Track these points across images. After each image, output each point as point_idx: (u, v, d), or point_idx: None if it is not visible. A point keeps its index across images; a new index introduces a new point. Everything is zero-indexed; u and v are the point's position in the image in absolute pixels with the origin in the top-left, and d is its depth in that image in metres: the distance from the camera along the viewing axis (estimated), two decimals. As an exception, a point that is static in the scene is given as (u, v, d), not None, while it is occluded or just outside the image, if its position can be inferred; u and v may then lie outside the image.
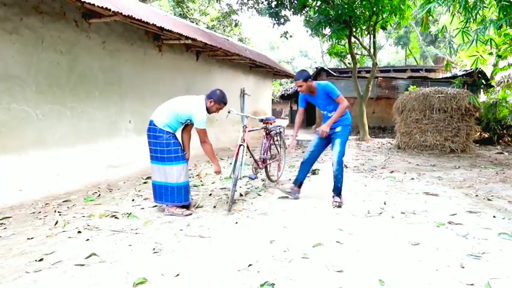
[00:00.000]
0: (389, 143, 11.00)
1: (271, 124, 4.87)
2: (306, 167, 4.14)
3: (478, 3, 4.82)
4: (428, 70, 19.60)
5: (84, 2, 4.23)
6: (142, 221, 3.32)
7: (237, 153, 3.88)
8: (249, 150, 4.35)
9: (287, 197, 4.14)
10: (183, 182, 3.47)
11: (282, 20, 12.75)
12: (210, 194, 4.36)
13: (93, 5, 4.34)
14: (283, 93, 23.37)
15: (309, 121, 19.85)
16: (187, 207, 3.55)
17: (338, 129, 3.88)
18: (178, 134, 3.61)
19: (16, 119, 4.39)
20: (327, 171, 5.88)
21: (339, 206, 3.78)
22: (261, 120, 4.74)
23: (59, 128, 4.95)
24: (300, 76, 3.78)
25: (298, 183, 4.17)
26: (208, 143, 3.52)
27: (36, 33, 4.62)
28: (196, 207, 3.72)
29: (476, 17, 5.13)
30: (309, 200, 4.09)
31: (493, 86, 14.15)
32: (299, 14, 12.24)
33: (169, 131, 3.46)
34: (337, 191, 3.90)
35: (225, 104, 3.58)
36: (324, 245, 2.69)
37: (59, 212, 3.60)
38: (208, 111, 3.52)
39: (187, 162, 3.54)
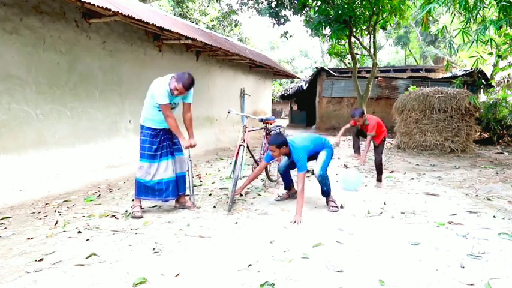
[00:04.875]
0: (389, 143, 11.00)
1: (271, 124, 4.87)
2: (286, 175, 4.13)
3: (478, 3, 4.81)
4: (428, 70, 19.58)
5: (84, 2, 4.23)
6: (142, 221, 3.32)
7: (237, 153, 3.88)
8: (249, 150, 4.35)
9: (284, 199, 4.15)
10: (137, 177, 3.48)
11: (282, 20, 12.75)
12: (210, 194, 4.36)
13: (93, 5, 4.34)
14: (283, 93, 23.33)
15: (309, 121, 19.85)
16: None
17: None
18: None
19: (16, 119, 4.39)
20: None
21: (336, 210, 3.71)
22: (261, 120, 4.75)
23: (59, 128, 4.95)
24: (274, 142, 3.53)
25: (287, 188, 4.19)
26: (170, 117, 3.37)
27: (36, 33, 4.61)
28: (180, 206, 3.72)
29: (476, 17, 5.12)
30: (308, 200, 4.10)
31: (493, 86, 14.15)
32: (299, 14, 12.24)
33: (149, 125, 3.46)
34: (326, 194, 3.84)
35: (183, 87, 3.26)
36: (324, 245, 2.69)
37: (59, 212, 3.60)
38: (171, 91, 3.33)
39: (150, 162, 3.44)
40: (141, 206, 3.53)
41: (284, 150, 3.55)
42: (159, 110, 3.41)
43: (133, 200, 3.66)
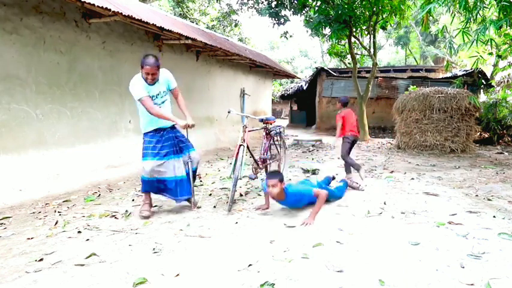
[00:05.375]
0: (389, 143, 11.00)
1: (271, 124, 4.87)
2: None
3: (478, 3, 4.81)
4: (428, 70, 19.58)
5: (84, 2, 4.23)
6: (142, 221, 3.32)
7: (237, 153, 3.88)
8: (249, 150, 4.35)
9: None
10: (142, 176, 3.48)
11: (282, 20, 12.75)
12: (210, 194, 4.36)
13: (93, 5, 4.35)
14: (283, 93, 23.35)
15: (309, 121, 19.85)
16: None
17: None
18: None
19: (16, 119, 4.39)
20: (327, 171, 5.88)
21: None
22: (261, 120, 4.74)
23: (59, 128, 4.95)
24: (276, 176, 3.35)
25: None
26: (153, 107, 3.25)
27: (36, 33, 4.62)
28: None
29: (476, 17, 5.13)
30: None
31: (493, 86, 14.15)
32: (299, 14, 12.25)
33: (150, 129, 3.44)
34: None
35: (147, 65, 3.20)
36: (324, 245, 2.69)
37: (59, 212, 3.60)
38: (145, 80, 3.30)
39: (153, 159, 3.41)
40: (150, 204, 3.52)
41: (283, 186, 3.32)
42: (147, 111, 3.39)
43: (138, 196, 3.63)
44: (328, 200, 3.72)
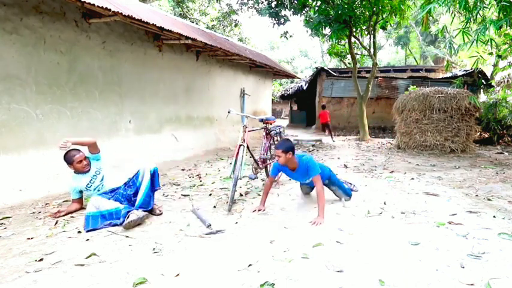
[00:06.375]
0: (389, 143, 11.00)
1: (271, 124, 4.87)
2: None
3: (478, 3, 4.81)
4: (428, 70, 19.60)
5: (84, 2, 4.23)
6: (142, 221, 3.31)
7: (237, 153, 3.88)
8: (249, 150, 4.35)
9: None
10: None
11: (282, 20, 12.75)
12: (210, 194, 4.36)
13: (93, 5, 4.34)
14: (283, 93, 23.37)
15: (309, 121, 19.85)
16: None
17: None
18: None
19: (16, 119, 4.39)
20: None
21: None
22: (261, 120, 4.75)
23: (59, 128, 4.95)
24: (281, 146, 3.40)
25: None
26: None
27: (36, 33, 4.62)
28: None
29: (476, 17, 5.13)
30: (309, 200, 4.10)
31: (493, 86, 14.16)
32: (299, 14, 12.24)
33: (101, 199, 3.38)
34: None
35: (68, 162, 3.44)
36: (324, 245, 2.69)
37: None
38: (78, 171, 3.50)
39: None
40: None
41: (290, 156, 3.40)
42: (88, 190, 3.56)
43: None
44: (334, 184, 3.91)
